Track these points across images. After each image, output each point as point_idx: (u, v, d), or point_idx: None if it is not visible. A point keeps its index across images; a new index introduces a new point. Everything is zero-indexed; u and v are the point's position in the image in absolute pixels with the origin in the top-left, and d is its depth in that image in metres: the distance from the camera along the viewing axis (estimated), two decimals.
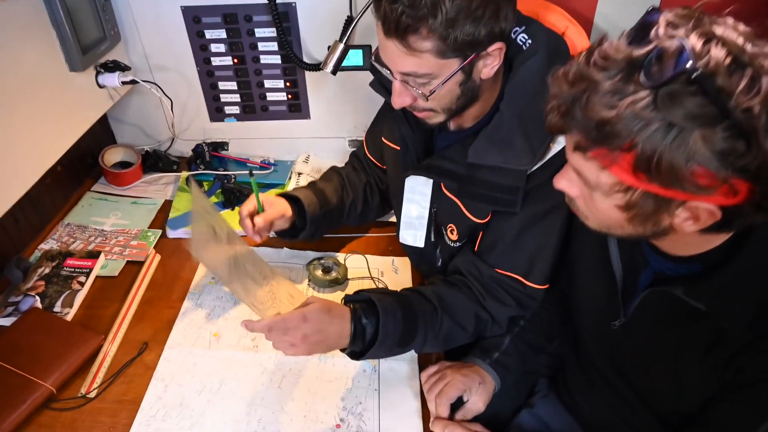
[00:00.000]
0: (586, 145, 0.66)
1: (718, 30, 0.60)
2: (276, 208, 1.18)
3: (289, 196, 1.23)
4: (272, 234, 1.26)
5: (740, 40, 0.59)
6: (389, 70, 0.95)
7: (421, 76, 0.91)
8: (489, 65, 0.93)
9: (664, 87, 0.58)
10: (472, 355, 1.11)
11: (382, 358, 1.12)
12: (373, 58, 0.99)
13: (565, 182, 0.77)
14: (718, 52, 0.58)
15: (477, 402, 1.04)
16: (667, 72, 0.58)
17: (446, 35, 0.84)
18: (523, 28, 0.98)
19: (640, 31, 0.63)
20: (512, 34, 0.95)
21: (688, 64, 0.57)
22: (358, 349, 0.99)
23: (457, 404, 1.03)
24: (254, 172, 1.26)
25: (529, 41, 0.97)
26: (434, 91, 0.92)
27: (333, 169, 1.38)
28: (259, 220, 1.14)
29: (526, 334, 1.13)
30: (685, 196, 0.63)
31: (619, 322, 0.92)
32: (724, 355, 0.76)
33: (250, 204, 1.17)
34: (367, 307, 1.00)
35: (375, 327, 0.99)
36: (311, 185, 1.30)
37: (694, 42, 0.59)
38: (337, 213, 1.29)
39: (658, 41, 0.61)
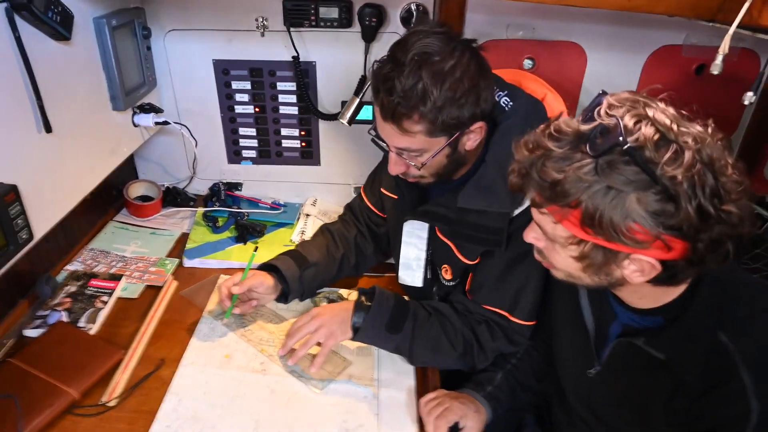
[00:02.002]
0: (540, 202, 0.79)
1: (650, 112, 0.73)
2: (256, 278, 1.28)
3: (269, 267, 1.33)
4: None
5: (667, 121, 0.72)
6: (386, 143, 1.11)
7: (413, 151, 1.07)
8: (472, 139, 1.09)
9: (603, 156, 0.71)
10: (466, 387, 1.20)
11: (377, 345, 1.25)
12: (372, 131, 1.16)
13: (532, 235, 0.90)
14: (647, 130, 0.71)
15: (472, 429, 1.12)
16: (605, 144, 0.71)
17: (434, 119, 1.01)
18: (506, 92, 1.13)
19: (590, 111, 0.77)
20: (496, 97, 1.11)
21: (620, 138, 0.70)
22: (360, 320, 1.18)
23: (452, 431, 1.11)
24: (260, 218, 1.39)
25: (511, 103, 1.12)
26: (425, 163, 1.09)
27: (321, 228, 1.49)
28: (236, 288, 1.24)
29: (518, 372, 1.22)
30: (626, 249, 0.75)
31: (594, 370, 1.00)
32: (684, 402, 0.85)
33: (230, 281, 1.27)
34: (371, 292, 1.21)
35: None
36: (291, 250, 1.39)
37: (627, 121, 0.72)
38: (326, 268, 1.38)
39: (600, 119, 0.74)
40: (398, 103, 0.99)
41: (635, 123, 0.72)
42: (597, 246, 0.77)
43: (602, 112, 0.75)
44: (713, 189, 0.70)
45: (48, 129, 1.07)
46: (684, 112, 0.76)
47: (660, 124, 0.72)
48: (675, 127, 0.72)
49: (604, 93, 0.79)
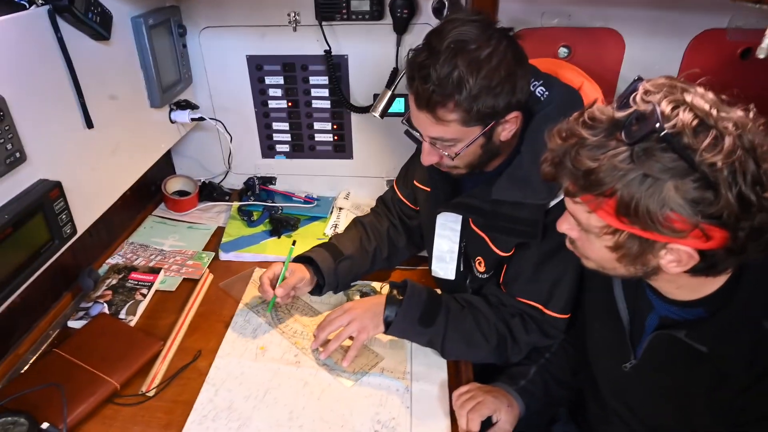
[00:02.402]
0: (574, 191, 0.77)
1: (688, 97, 0.71)
2: (295, 275, 1.29)
3: (305, 258, 1.35)
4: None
5: (706, 106, 0.70)
6: (419, 132, 1.09)
7: (447, 141, 1.06)
8: (507, 129, 1.07)
9: (639, 143, 0.69)
10: (499, 381, 1.18)
11: (409, 339, 1.25)
12: (405, 121, 1.14)
13: (566, 225, 0.88)
14: (685, 116, 0.69)
15: (505, 423, 1.10)
16: (642, 131, 0.69)
17: (470, 108, 0.99)
18: (542, 82, 1.10)
19: (625, 98, 0.75)
20: (531, 87, 1.08)
21: (657, 125, 0.68)
22: (392, 314, 1.18)
23: (485, 425, 1.10)
24: (294, 212, 1.42)
25: (546, 93, 1.10)
26: (459, 153, 1.07)
27: (354, 220, 1.49)
28: (280, 291, 1.26)
29: (552, 366, 1.20)
30: (663, 239, 0.72)
31: (630, 364, 0.98)
32: (728, 395, 0.82)
33: (270, 272, 1.29)
34: (403, 286, 1.21)
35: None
36: (326, 243, 1.41)
37: (665, 107, 0.70)
38: (360, 260, 1.39)
39: (636, 106, 0.72)
40: (433, 91, 0.98)
41: (673, 109, 0.70)
42: (633, 235, 0.75)
43: (638, 98, 0.73)
44: (755, 176, 0.68)
45: (90, 125, 1.11)
46: (724, 97, 0.73)
47: (698, 109, 0.69)
48: (714, 112, 0.70)
49: (640, 79, 0.77)
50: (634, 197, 0.70)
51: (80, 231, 1.13)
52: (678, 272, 0.77)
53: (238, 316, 1.33)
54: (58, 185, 1.03)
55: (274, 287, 1.27)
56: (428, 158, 1.12)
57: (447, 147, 1.07)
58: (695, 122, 0.68)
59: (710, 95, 0.73)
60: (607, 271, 0.86)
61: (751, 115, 0.72)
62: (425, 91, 0.99)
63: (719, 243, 0.71)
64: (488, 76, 0.97)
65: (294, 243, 1.34)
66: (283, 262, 1.29)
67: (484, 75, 0.96)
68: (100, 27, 1.12)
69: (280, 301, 1.29)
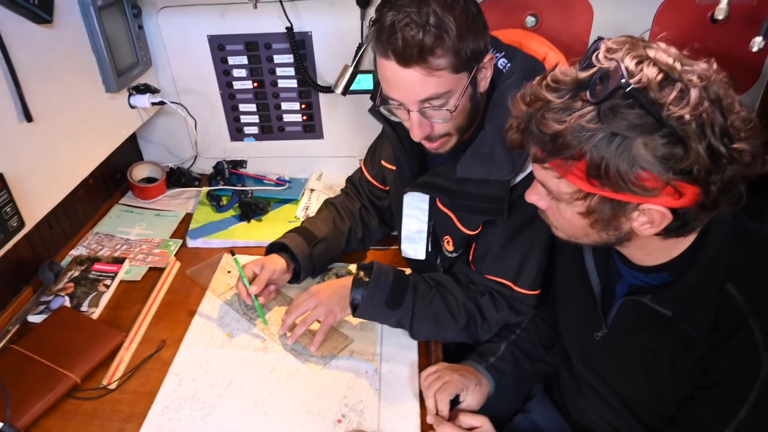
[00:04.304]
0: (542, 157, 0.75)
1: (651, 52, 0.69)
2: (267, 269, 1.24)
3: (278, 246, 1.31)
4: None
5: (670, 60, 0.68)
6: (402, 106, 1.00)
7: (440, 97, 0.98)
8: (485, 77, 1.02)
9: (605, 102, 0.67)
10: (469, 359, 1.17)
11: (378, 321, 1.23)
12: (379, 104, 1.07)
13: (534, 196, 0.86)
14: (650, 71, 0.67)
15: (472, 402, 1.09)
16: (607, 89, 0.67)
17: (458, 50, 0.93)
18: (503, 53, 1.07)
19: (587, 58, 0.73)
20: (493, 59, 1.04)
21: (623, 81, 0.66)
22: (359, 297, 1.16)
23: (453, 403, 1.09)
24: (265, 195, 1.35)
25: (508, 65, 1.06)
26: (453, 110, 0.99)
27: (325, 202, 1.46)
28: (254, 288, 1.22)
29: (522, 342, 1.19)
30: (635, 199, 0.71)
31: (601, 333, 0.97)
32: (692, 358, 0.82)
33: (242, 286, 1.23)
34: (369, 268, 1.18)
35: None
36: (298, 227, 1.36)
37: (628, 63, 0.68)
38: (334, 242, 1.36)
39: (599, 64, 0.70)
40: (422, 36, 0.91)
41: (636, 64, 0.68)
42: (604, 198, 0.73)
43: (600, 56, 0.71)
44: (722, 127, 0.67)
45: (29, 118, 1.06)
46: (686, 51, 0.72)
47: (662, 63, 0.68)
48: (678, 65, 0.68)
49: (601, 38, 0.74)
50: (604, 158, 0.68)
51: (30, 224, 1.10)
52: (650, 234, 0.75)
53: (204, 303, 1.31)
54: None
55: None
56: (420, 130, 1.02)
57: (440, 107, 0.99)
58: (660, 76, 0.67)
59: (673, 50, 0.71)
60: (578, 240, 0.85)
61: (714, 66, 0.70)
62: (413, 39, 0.91)
63: (691, 200, 0.70)
64: (464, 13, 0.93)
65: (233, 253, 1.30)
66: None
67: (460, 13, 0.92)
68: (39, 9, 1.07)
69: (263, 300, 1.25)
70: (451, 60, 0.94)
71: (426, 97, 0.98)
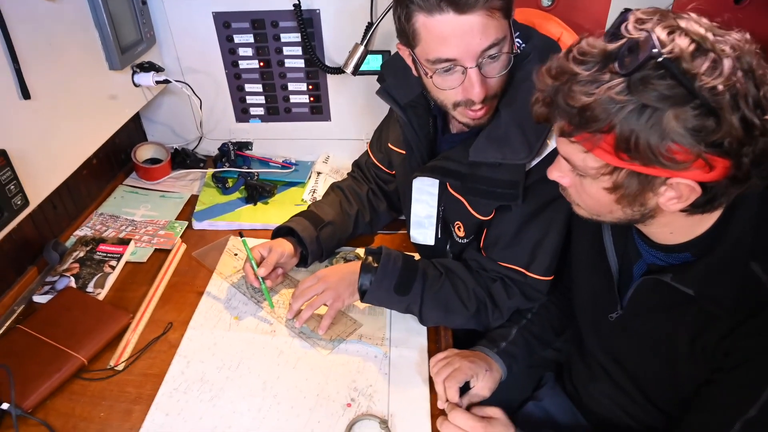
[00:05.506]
0: (569, 131, 0.72)
1: (682, 23, 0.67)
2: (275, 252, 1.23)
3: (285, 230, 1.29)
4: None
5: (702, 30, 0.66)
6: (457, 65, 0.93)
7: (500, 43, 0.93)
8: (514, 35, 0.98)
9: (635, 73, 0.65)
10: (479, 345, 1.15)
11: (386, 307, 1.21)
12: (425, 74, 0.98)
13: (557, 173, 0.83)
14: (681, 41, 0.65)
15: (483, 388, 1.08)
16: (638, 59, 0.65)
17: None
18: (518, 34, 1.03)
19: (615, 28, 0.71)
20: None
21: (655, 50, 0.63)
22: (367, 282, 1.14)
23: (464, 390, 1.07)
24: (271, 177, 1.33)
25: (524, 45, 1.03)
26: (511, 56, 0.95)
27: (332, 186, 1.44)
28: (262, 270, 1.20)
29: (534, 327, 1.17)
30: (664, 173, 0.69)
31: (616, 314, 0.96)
32: (712, 339, 0.80)
33: (249, 269, 1.22)
34: (378, 253, 1.17)
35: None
36: (305, 211, 1.35)
37: (660, 33, 0.66)
38: (341, 225, 1.34)
39: (629, 35, 0.68)
40: None
41: (668, 34, 0.66)
42: (632, 173, 0.71)
43: (630, 27, 0.69)
44: (756, 98, 0.65)
45: (26, 95, 1.02)
46: (716, 22, 0.70)
47: (694, 33, 0.66)
48: (710, 36, 0.66)
49: (628, 10, 0.72)
50: (634, 131, 0.66)
51: (35, 203, 1.08)
52: (677, 209, 0.74)
53: (211, 286, 1.29)
54: (2, 153, 0.96)
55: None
56: (480, 89, 0.95)
57: (497, 57, 0.94)
58: (692, 47, 0.65)
59: (704, 20, 0.69)
60: (601, 218, 0.83)
61: (747, 36, 0.68)
62: None
63: (721, 173, 0.68)
64: None
65: (242, 235, 1.28)
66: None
67: None
68: None
69: (270, 284, 1.23)
70: (502, 3, 0.91)
71: (489, 44, 0.92)
